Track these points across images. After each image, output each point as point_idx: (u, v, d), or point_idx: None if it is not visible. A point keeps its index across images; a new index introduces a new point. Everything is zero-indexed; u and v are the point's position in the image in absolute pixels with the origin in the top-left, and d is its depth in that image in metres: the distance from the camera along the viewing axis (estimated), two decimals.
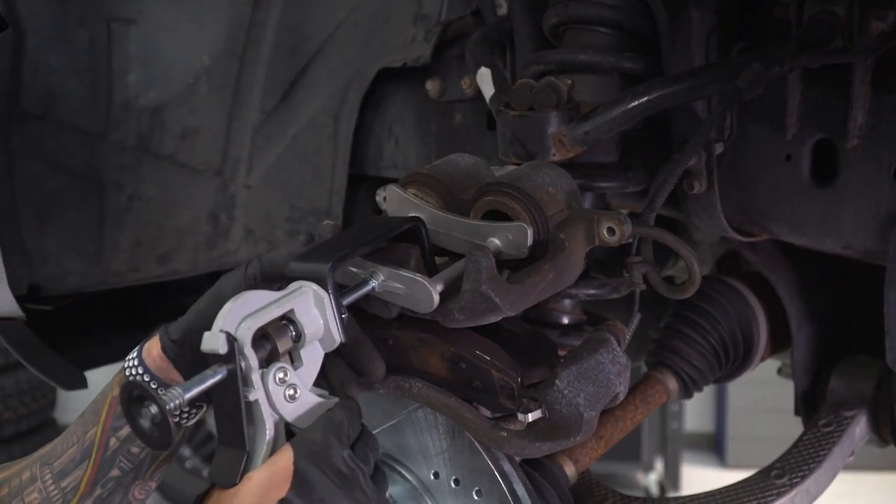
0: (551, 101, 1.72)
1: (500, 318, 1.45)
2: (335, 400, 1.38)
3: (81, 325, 2.76)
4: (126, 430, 1.47)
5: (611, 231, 1.54)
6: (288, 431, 1.35)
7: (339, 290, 1.41)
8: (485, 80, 1.98)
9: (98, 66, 2.39)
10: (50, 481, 1.49)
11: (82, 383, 2.67)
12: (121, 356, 2.85)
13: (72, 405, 7.67)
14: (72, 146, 2.43)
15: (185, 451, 6.65)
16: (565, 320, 1.89)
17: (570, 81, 1.75)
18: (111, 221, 2.50)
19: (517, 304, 1.45)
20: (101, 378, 3.23)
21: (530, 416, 1.48)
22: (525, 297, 1.46)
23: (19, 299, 2.35)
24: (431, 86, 2.41)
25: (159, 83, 2.44)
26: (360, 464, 1.34)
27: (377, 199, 1.73)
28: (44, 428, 6.89)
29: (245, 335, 1.26)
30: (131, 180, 2.50)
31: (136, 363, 1.50)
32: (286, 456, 1.29)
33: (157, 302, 2.93)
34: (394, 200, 1.65)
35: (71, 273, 2.49)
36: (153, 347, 1.50)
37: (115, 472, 1.50)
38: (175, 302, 2.93)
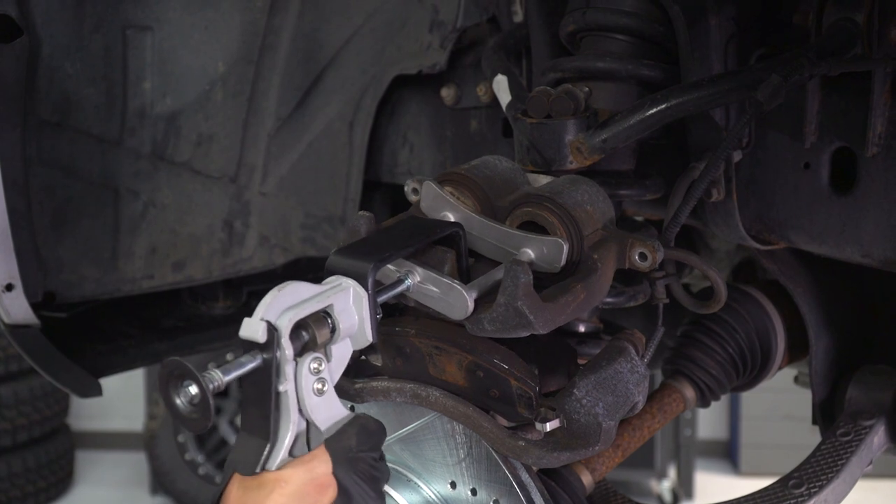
0: (569, 108, 1.71)
1: (528, 335, 1.44)
2: (352, 413, 1.38)
3: (96, 333, 2.75)
4: None
5: (643, 256, 1.55)
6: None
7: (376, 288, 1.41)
8: (501, 88, 1.98)
9: (113, 73, 2.39)
10: None
11: (97, 391, 2.67)
12: (135, 363, 2.87)
13: (85, 412, 7.69)
14: (87, 153, 2.42)
15: (199, 457, 6.65)
16: (582, 329, 1.89)
17: (587, 89, 1.75)
18: (126, 228, 2.50)
19: (550, 323, 1.45)
20: (115, 385, 3.23)
21: (548, 426, 1.47)
22: (557, 317, 1.46)
23: (34, 306, 2.35)
24: (447, 93, 2.40)
25: (175, 90, 2.44)
26: (386, 471, 1.37)
27: (406, 188, 1.73)
28: (57, 434, 6.91)
29: (285, 326, 1.27)
30: (146, 187, 2.49)
31: None
32: (324, 461, 1.30)
33: (172, 309, 2.93)
34: (429, 196, 1.65)
35: (86, 280, 2.49)
36: None
37: None
38: (190, 309, 2.93)
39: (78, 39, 2.32)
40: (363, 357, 1.67)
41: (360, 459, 1.33)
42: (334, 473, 1.30)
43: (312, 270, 2.69)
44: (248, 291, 2.99)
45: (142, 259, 2.53)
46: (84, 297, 2.51)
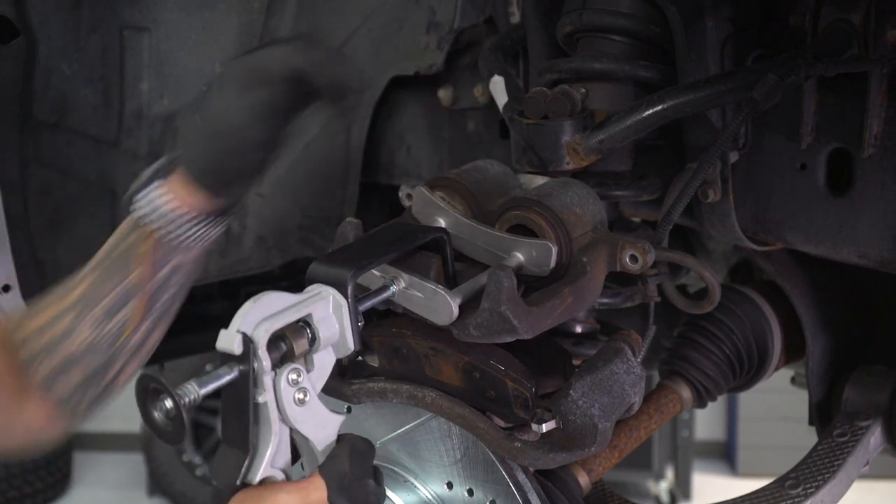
0: (565, 109, 1.71)
1: (515, 339, 1.44)
2: (342, 416, 1.37)
3: None
4: (180, 260, 1.58)
5: (633, 259, 1.54)
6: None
7: (358, 294, 1.41)
8: (498, 89, 1.98)
9: (110, 74, 2.38)
10: (97, 323, 1.58)
11: None
12: None
13: None
14: (84, 154, 2.41)
15: (196, 459, 6.65)
16: (579, 329, 1.89)
17: (584, 90, 1.74)
18: None
19: (535, 327, 1.45)
20: None
21: (545, 427, 1.47)
22: (543, 321, 1.46)
23: None
24: (444, 94, 2.41)
25: (172, 91, 2.43)
26: (381, 491, 1.37)
27: (400, 194, 1.73)
28: None
29: (261, 338, 1.26)
30: None
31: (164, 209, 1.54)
32: (318, 487, 1.30)
33: None
34: (420, 202, 1.65)
35: None
36: (186, 194, 1.54)
37: (172, 289, 1.62)
38: (186, 310, 2.92)
39: (75, 40, 2.31)
40: (360, 358, 1.67)
41: (354, 485, 1.32)
42: (329, 500, 1.30)
43: None
44: (246, 293, 2.98)
45: None
46: None
